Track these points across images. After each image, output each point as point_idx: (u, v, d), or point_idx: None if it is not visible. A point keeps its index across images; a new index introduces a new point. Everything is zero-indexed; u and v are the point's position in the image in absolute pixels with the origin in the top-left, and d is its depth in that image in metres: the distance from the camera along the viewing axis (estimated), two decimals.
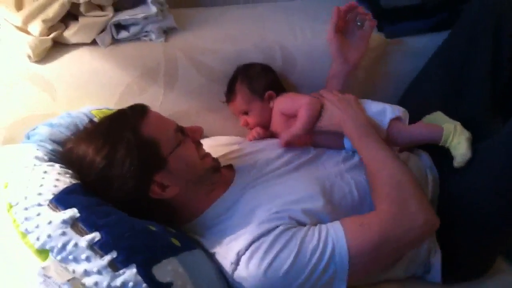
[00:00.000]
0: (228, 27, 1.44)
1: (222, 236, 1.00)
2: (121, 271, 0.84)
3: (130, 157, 0.95)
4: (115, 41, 1.34)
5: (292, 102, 1.24)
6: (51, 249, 0.85)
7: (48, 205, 0.90)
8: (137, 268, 0.84)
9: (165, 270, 0.87)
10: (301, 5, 1.58)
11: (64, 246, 0.85)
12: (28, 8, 1.26)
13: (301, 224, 0.98)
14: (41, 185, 0.93)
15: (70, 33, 1.29)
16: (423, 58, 1.40)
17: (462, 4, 1.37)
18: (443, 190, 1.17)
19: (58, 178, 0.95)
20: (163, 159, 0.99)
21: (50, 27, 1.28)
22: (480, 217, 1.10)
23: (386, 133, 1.17)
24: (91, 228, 0.87)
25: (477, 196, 1.09)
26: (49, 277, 0.82)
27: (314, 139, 1.22)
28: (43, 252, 0.86)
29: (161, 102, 1.35)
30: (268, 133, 1.30)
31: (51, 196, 0.91)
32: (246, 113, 1.31)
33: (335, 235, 0.95)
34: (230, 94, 1.33)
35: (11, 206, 0.92)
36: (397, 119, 1.19)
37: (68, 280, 0.83)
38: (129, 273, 0.84)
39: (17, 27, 1.27)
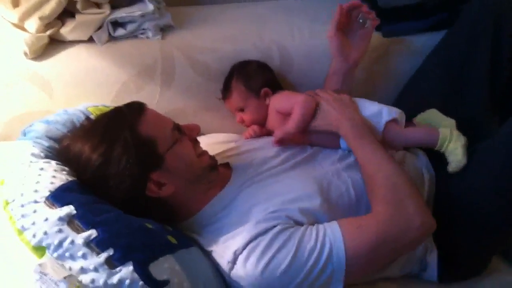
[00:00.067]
0: (226, 26, 1.44)
1: (219, 235, 1.00)
2: (117, 269, 0.84)
3: (127, 155, 0.95)
4: (112, 38, 1.34)
5: (288, 100, 1.23)
6: (48, 246, 0.85)
7: (45, 202, 0.89)
8: (134, 265, 0.84)
9: (161, 267, 0.87)
10: (301, 5, 1.58)
11: (60, 243, 0.85)
12: (24, 5, 1.25)
13: (298, 223, 0.98)
14: (38, 182, 0.92)
15: (67, 30, 1.29)
16: (422, 58, 1.40)
17: (461, 4, 1.37)
18: (439, 190, 1.17)
19: (54, 175, 0.95)
20: (160, 157, 0.99)
21: (47, 24, 1.27)
22: (480, 217, 1.10)
23: (382, 135, 1.17)
24: (88, 226, 0.87)
25: (477, 196, 1.10)
26: (45, 274, 0.82)
27: (310, 138, 1.21)
28: (39, 249, 0.86)
29: (157, 100, 1.35)
30: (265, 130, 1.29)
31: (47, 193, 0.90)
32: (242, 110, 1.30)
33: (332, 236, 0.95)
34: (226, 91, 1.32)
35: (7, 203, 0.91)
36: (393, 121, 1.18)
37: (65, 277, 0.82)
38: (126, 270, 0.84)
39: (14, 24, 1.27)
